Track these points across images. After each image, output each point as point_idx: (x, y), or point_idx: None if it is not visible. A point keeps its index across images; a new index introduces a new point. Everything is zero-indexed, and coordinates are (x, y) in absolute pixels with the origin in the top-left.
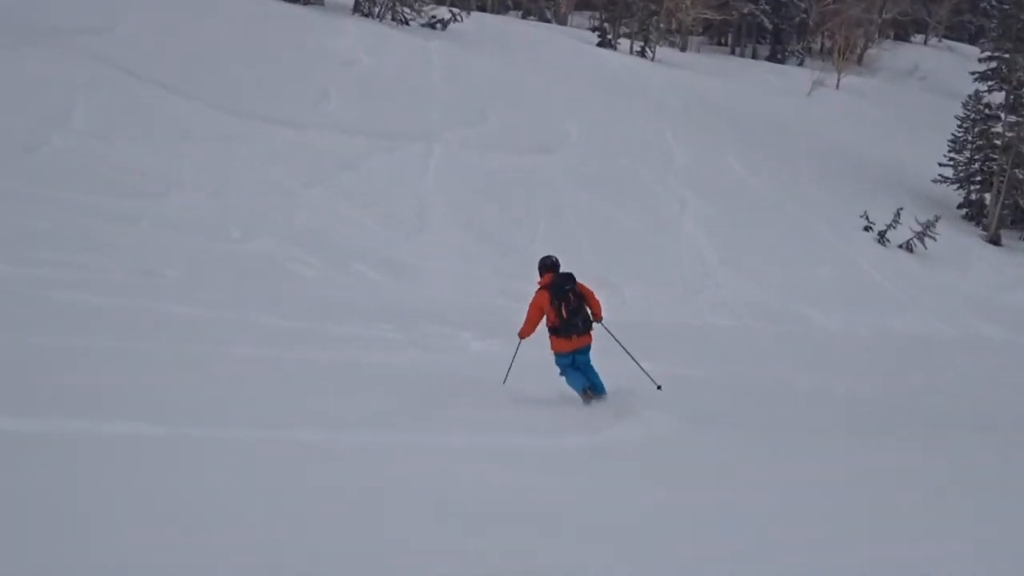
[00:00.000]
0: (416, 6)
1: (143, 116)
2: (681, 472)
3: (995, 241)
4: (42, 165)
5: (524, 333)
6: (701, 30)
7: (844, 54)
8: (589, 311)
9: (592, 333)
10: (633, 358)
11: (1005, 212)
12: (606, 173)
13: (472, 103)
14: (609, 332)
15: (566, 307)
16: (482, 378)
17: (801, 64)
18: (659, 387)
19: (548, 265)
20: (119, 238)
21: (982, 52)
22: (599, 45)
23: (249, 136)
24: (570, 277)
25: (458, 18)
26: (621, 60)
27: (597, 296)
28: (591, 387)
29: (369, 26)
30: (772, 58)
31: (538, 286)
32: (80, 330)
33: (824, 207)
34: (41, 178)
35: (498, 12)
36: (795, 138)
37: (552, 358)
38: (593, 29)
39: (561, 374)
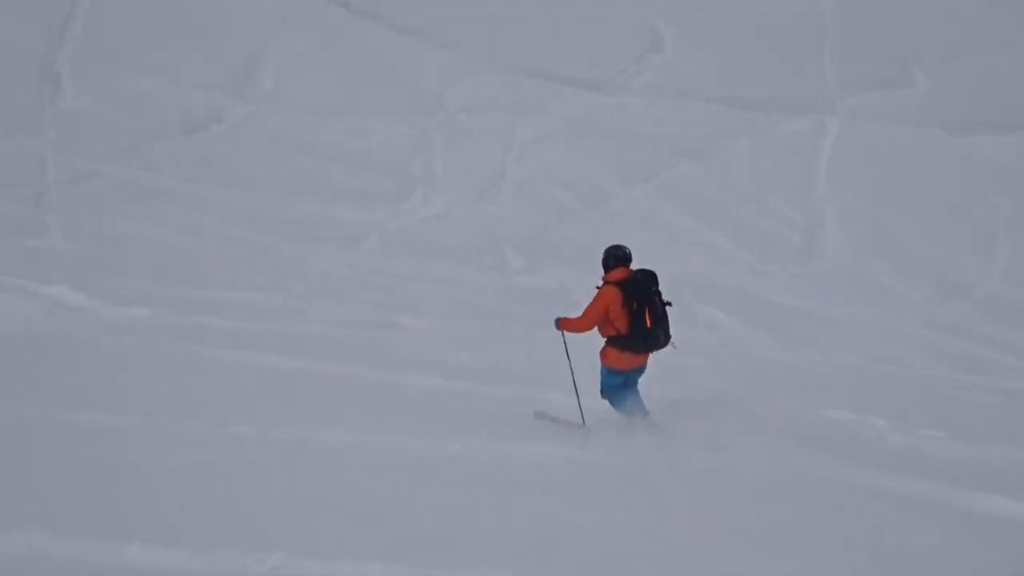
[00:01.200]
0: None
1: (367, 74)
2: None
3: None
4: (206, 152)
5: (573, 326)
6: None
7: None
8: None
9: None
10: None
11: None
12: None
13: (886, 52)
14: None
15: (651, 313)
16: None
17: None
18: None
19: (620, 257)
20: (326, 266)
21: None
22: None
23: (532, 104)
24: (654, 277)
25: None
26: None
27: None
28: (643, 412)
29: None
30: None
31: (603, 282)
32: (263, 413)
33: None
34: (204, 171)
35: None
36: None
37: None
38: None
39: (603, 395)
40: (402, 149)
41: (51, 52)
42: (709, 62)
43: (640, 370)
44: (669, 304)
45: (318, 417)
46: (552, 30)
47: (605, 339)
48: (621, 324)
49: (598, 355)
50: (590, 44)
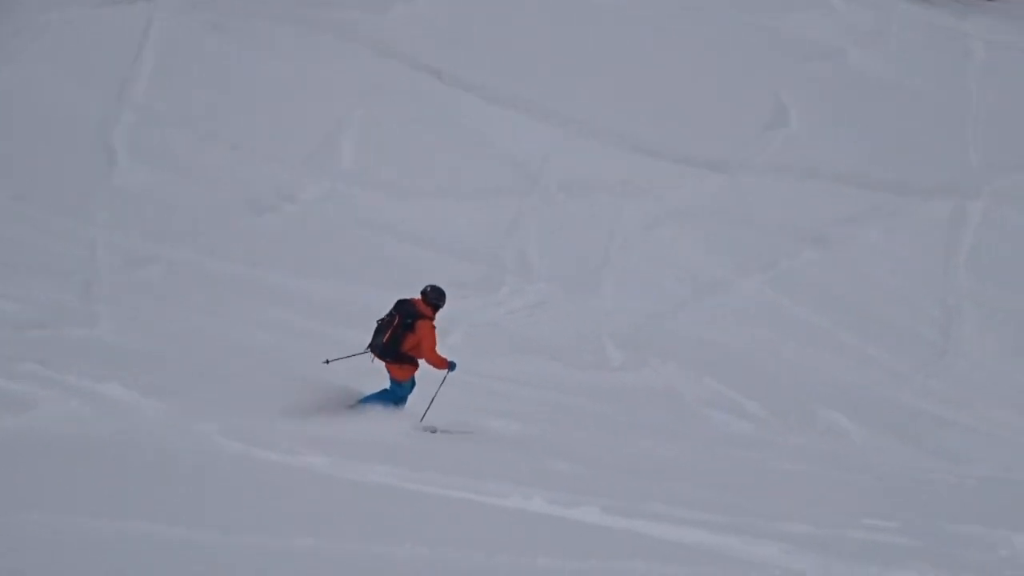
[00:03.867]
0: None
1: (457, 149)
2: None
3: None
4: (276, 234)
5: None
6: None
7: None
8: (402, 347)
9: (392, 367)
10: (429, 405)
11: None
12: None
13: None
14: (441, 383)
15: (379, 324)
16: None
17: None
18: (434, 431)
19: (423, 290)
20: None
21: None
22: None
23: (639, 184)
24: (411, 313)
25: None
26: None
27: (427, 347)
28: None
29: None
30: None
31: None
32: (339, 527)
33: None
34: (273, 256)
35: None
36: None
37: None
38: None
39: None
40: (493, 233)
41: (107, 121)
42: (838, 138)
43: (390, 376)
44: (383, 333)
45: (394, 532)
46: (662, 102)
47: None
48: None
49: None
50: (704, 118)
